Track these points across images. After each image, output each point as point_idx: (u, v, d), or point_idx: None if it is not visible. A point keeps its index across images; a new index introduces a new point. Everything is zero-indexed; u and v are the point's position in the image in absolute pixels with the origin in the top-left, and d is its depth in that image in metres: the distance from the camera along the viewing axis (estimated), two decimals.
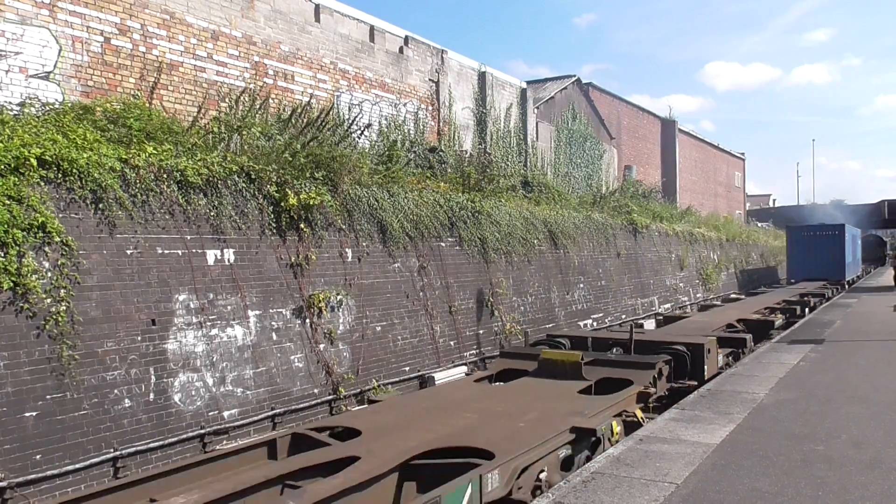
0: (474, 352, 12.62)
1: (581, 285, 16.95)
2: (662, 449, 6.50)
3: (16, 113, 7.88)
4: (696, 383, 9.79)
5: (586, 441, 6.94)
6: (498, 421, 7.22)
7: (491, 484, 5.50)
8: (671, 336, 11.91)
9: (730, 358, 11.72)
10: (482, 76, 19.62)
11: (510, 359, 10.42)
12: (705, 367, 10.24)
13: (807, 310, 19.68)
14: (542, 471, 6.12)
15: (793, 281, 29.70)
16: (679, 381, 9.87)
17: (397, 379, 10.70)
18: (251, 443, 6.79)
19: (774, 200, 75.23)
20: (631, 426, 7.64)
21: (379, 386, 10.21)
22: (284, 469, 5.98)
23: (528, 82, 23.13)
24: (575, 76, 26.52)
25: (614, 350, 10.65)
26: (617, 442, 7.04)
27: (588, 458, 6.71)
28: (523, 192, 17.47)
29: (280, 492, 5.74)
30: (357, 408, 9.27)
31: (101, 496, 5.48)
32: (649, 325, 18.15)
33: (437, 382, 10.71)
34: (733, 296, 26.51)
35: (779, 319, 16.42)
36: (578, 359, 9.33)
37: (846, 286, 30.08)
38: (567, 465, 6.57)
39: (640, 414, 8.03)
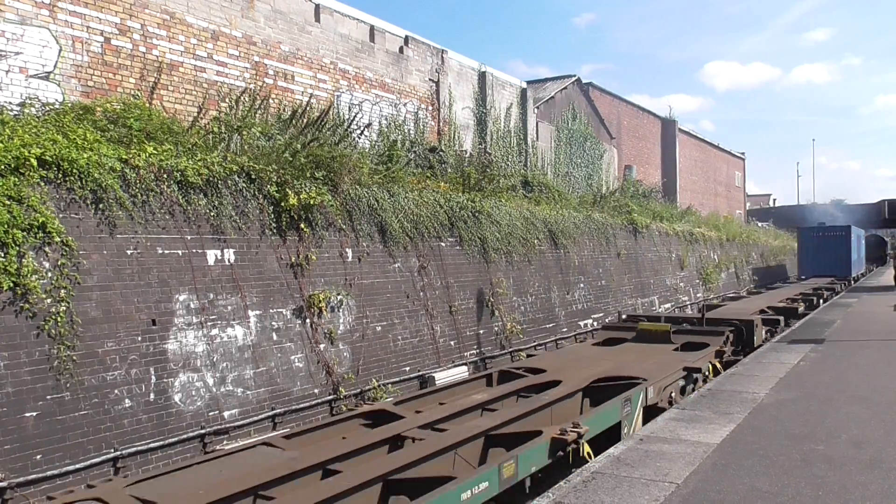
0: (475, 352, 12.63)
1: (581, 285, 16.95)
2: (663, 449, 6.50)
3: (16, 113, 7.89)
4: (748, 349, 12.97)
5: (692, 377, 10.08)
6: (632, 365, 10.13)
7: (649, 395, 8.63)
8: (726, 316, 14.73)
9: (768, 333, 14.61)
10: (482, 76, 19.62)
11: (610, 331, 13.65)
12: (755, 337, 13.29)
13: (821, 301, 22.76)
14: (671, 392, 9.28)
15: (803, 277, 31.82)
16: (736, 347, 12.93)
17: (398, 379, 10.71)
18: (475, 376, 10.14)
19: (774, 200, 75.23)
20: (715, 371, 10.95)
21: (379, 386, 10.21)
22: (504, 391, 8.93)
23: (529, 82, 23.13)
24: (575, 76, 26.53)
25: (684, 325, 13.73)
26: (708, 380, 10.32)
27: (693, 389, 9.93)
28: (523, 191, 17.47)
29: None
30: (527, 357, 12.56)
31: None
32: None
33: (437, 382, 10.70)
34: (732, 294, 26.51)
35: (801, 307, 19.64)
36: (668, 328, 12.55)
37: (852, 282, 32.82)
38: (683, 391, 9.73)
39: (718, 365, 11.14)
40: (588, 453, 6.61)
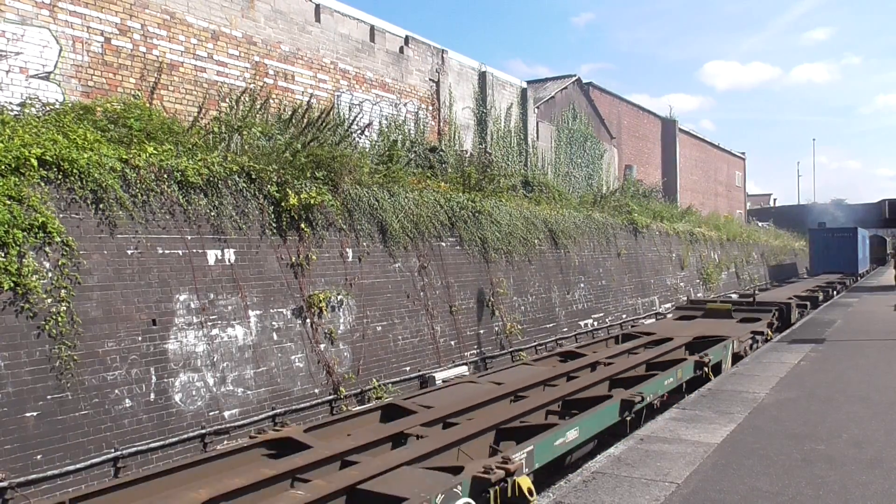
0: (475, 351, 12.63)
1: (581, 285, 16.95)
2: (663, 448, 6.50)
3: (16, 113, 7.89)
4: (785, 326, 16.73)
5: (755, 338, 13.83)
6: (714, 329, 13.65)
7: (734, 346, 12.13)
8: (767, 299, 19.23)
9: (799, 314, 18.18)
10: (482, 76, 19.62)
11: (682, 310, 17.73)
12: (792, 316, 17.34)
13: (834, 292, 26.53)
14: (745, 346, 12.82)
15: (815, 274, 34.92)
16: (779, 323, 16.59)
17: (398, 379, 10.71)
18: (602, 338, 12.39)
19: (775, 200, 75.19)
20: (765, 339, 14.40)
21: (379, 385, 10.21)
22: (635, 343, 12.46)
23: (529, 82, 23.13)
24: (575, 76, 26.52)
25: (739, 306, 17.37)
26: (768, 340, 14.30)
27: (756, 347, 13.35)
28: (524, 191, 17.47)
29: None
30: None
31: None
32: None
33: (437, 382, 10.70)
34: (733, 295, 26.49)
35: (820, 296, 23.47)
36: (730, 307, 16.46)
37: (858, 278, 36.55)
38: (751, 347, 13.25)
39: (769, 332, 14.94)
40: (709, 373, 10.37)
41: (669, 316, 18.67)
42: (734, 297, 22.54)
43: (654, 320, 19.00)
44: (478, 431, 6.79)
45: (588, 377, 9.56)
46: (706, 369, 10.35)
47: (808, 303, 20.42)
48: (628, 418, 7.89)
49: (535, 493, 5.49)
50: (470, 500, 5.12)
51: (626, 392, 8.17)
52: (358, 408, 9.03)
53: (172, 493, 5.48)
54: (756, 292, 22.41)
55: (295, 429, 7.00)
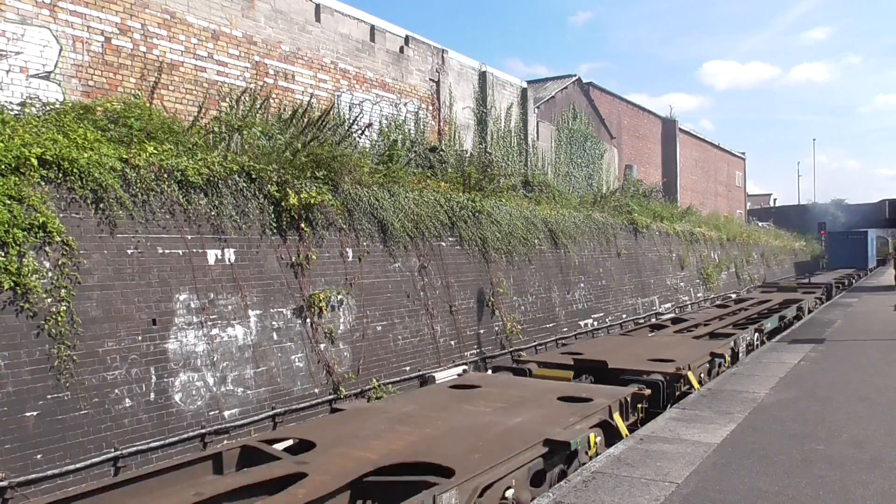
0: (475, 351, 12.63)
1: (581, 285, 16.95)
2: (663, 448, 6.50)
3: (16, 113, 7.88)
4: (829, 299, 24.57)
5: (815, 301, 21.24)
6: (790, 296, 21.63)
7: (810, 303, 21.20)
8: (815, 281, 29.40)
9: (837, 291, 27.22)
10: (483, 76, 19.62)
11: (760, 288, 27.63)
12: (833, 292, 25.99)
13: (853, 281, 35.77)
14: (812, 304, 20.68)
15: (834, 268, 42.73)
16: (826, 297, 24.40)
17: (398, 378, 10.71)
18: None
19: (775, 200, 75.12)
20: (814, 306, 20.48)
21: (379, 385, 10.21)
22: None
23: (529, 82, 23.13)
24: (575, 76, 26.52)
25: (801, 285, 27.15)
26: (823, 302, 22.34)
27: (818, 306, 20.81)
28: (524, 191, 17.46)
29: None
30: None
31: None
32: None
33: (437, 382, 10.69)
34: (733, 295, 26.52)
35: (846, 281, 33.06)
36: (796, 285, 27.19)
37: (869, 272, 44.46)
38: (815, 306, 20.74)
39: (824, 298, 23.08)
40: (802, 315, 17.02)
41: (756, 290, 28.13)
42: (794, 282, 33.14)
43: (735, 295, 26.39)
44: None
45: (741, 315, 17.59)
46: (800, 312, 18.70)
47: (841, 284, 31.58)
48: (783, 324, 16.33)
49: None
50: None
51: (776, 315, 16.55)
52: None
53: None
54: (808, 278, 34.13)
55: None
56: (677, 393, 9.19)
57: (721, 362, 11.13)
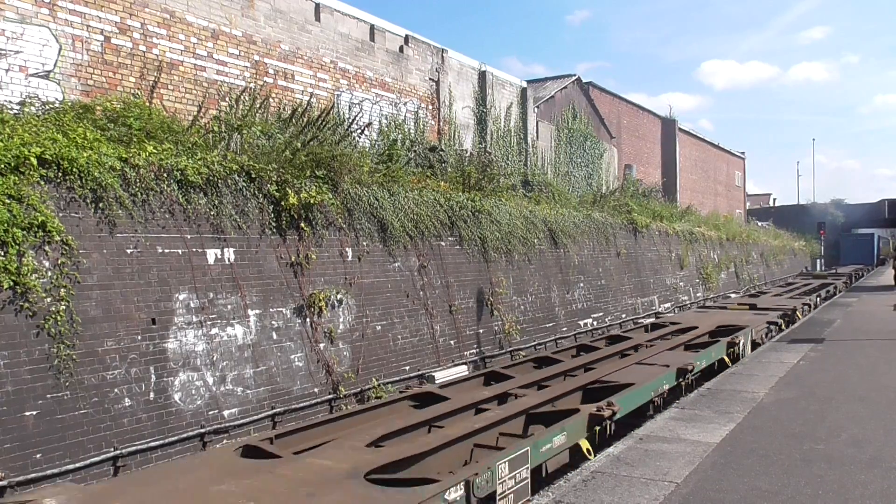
0: (474, 351, 12.63)
1: (581, 284, 16.95)
2: (662, 448, 6.50)
3: (16, 112, 7.88)
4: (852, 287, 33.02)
5: (842, 285, 31.01)
6: (825, 281, 31.14)
7: (840, 286, 30.40)
8: (838, 272, 38.45)
9: (855, 279, 37.34)
10: (482, 75, 19.61)
11: (804, 275, 38.80)
12: (853, 279, 36.31)
13: (864, 273, 43.50)
14: (841, 286, 30.86)
15: (845, 265, 49.35)
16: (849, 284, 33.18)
17: (397, 378, 10.71)
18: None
19: (774, 200, 75.18)
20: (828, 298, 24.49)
21: (379, 385, 10.21)
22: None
23: (529, 81, 23.13)
24: (575, 75, 26.52)
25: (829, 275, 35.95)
26: (847, 286, 31.21)
27: (841, 291, 28.99)
28: (523, 191, 17.47)
29: None
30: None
31: None
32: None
33: (436, 382, 10.69)
34: (733, 295, 26.52)
35: (860, 273, 40.89)
36: (826, 274, 37.19)
37: (874, 267, 51.47)
38: (840, 289, 29.52)
39: (843, 287, 31.09)
40: (836, 292, 24.74)
41: (798, 277, 37.97)
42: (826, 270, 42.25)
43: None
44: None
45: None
46: (828, 292, 25.71)
47: (857, 274, 40.57)
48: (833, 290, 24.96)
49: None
50: None
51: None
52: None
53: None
54: (836, 269, 42.74)
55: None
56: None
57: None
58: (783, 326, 16.11)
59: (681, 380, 9.49)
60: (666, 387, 8.99)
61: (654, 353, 11.18)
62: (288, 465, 5.62)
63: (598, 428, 6.89)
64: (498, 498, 5.13)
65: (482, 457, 6.00)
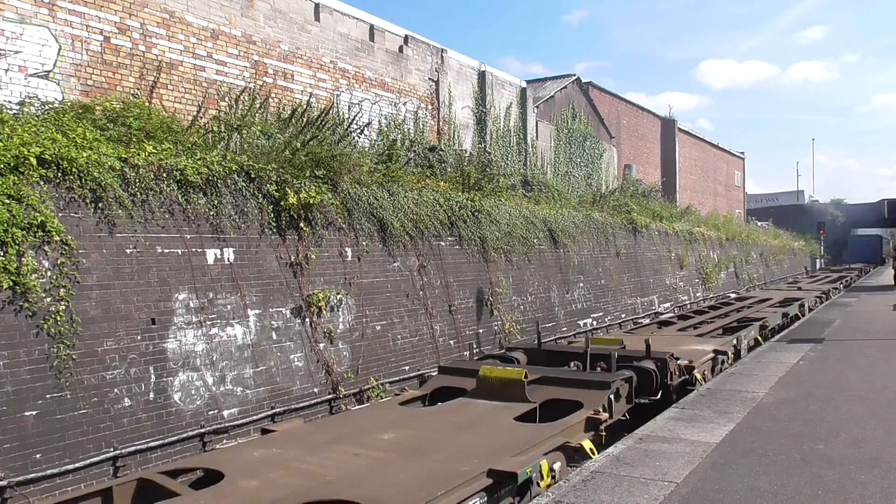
0: (474, 351, 12.62)
1: (581, 284, 16.95)
2: (662, 448, 6.51)
3: (15, 112, 7.88)
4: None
5: (856, 274, 41.14)
6: (837, 274, 40.52)
7: (851, 278, 36.18)
8: (851, 266, 49.27)
9: (865, 273, 43.50)
10: (482, 75, 19.61)
11: (826, 269, 48.21)
12: (863, 273, 43.07)
13: (871, 269, 48.56)
14: (851, 279, 37.65)
15: (853, 262, 53.95)
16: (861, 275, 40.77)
17: (397, 378, 10.71)
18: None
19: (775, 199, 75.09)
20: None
21: (378, 385, 10.21)
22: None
23: (528, 81, 23.13)
24: (575, 75, 26.52)
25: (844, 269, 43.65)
26: (860, 277, 40.94)
27: (853, 281, 36.16)
28: (523, 191, 17.47)
29: None
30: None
31: None
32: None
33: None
34: (732, 295, 26.53)
35: (868, 269, 46.47)
36: (843, 269, 45.49)
37: (879, 265, 54.83)
38: (854, 279, 38.94)
39: (857, 278, 38.60)
40: (852, 283, 31.12)
41: (802, 276, 39.87)
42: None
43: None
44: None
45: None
46: (847, 281, 32.40)
47: (866, 269, 46.37)
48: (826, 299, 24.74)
49: None
50: None
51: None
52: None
53: None
54: (848, 265, 49.18)
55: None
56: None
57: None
58: (824, 300, 23.85)
59: (784, 319, 16.36)
60: (780, 321, 15.93)
61: (757, 309, 18.39)
62: None
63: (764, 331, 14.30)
64: None
65: None
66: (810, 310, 19.89)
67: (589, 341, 9.95)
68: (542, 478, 5.83)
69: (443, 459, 6.03)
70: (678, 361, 9.71)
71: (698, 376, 9.79)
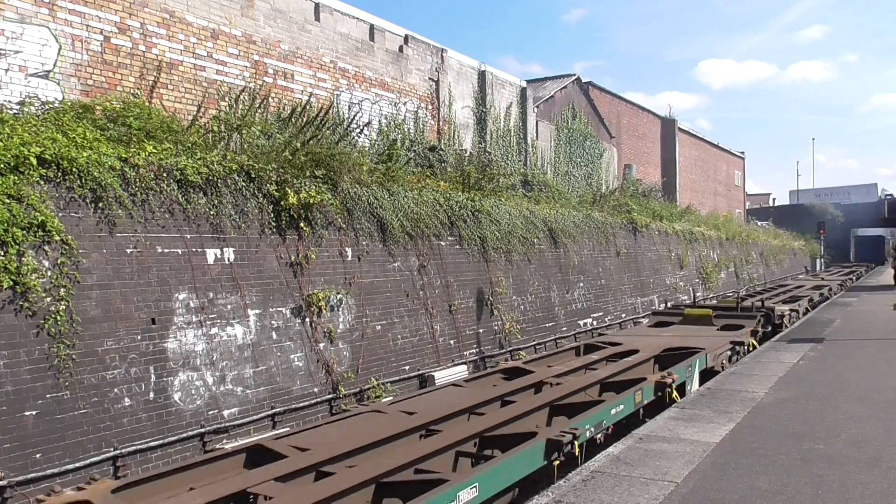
0: (474, 351, 12.63)
1: (581, 284, 16.95)
2: (662, 448, 6.51)
3: (15, 112, 7.88)
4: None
5: (864, 270, 44.94)
6: (851, 270, 41.91)
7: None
8: (860, 263, 53.68)
9: (871, 269, 47.23)
10: (482, 75, 19.61)
11: (842, 264, 52.21)
12: (870, 270, 46.39)
13: (874, 266, 51.49)
14: (861, 275, 37.34)
15: (859, 262, 56.82)
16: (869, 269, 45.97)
17: (397, 378, 10.71)
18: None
19: (774, 199, 75.18)
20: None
21: (379, 384, 10.21)
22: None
23: (528, 81, 23.14)
24: (575, 75, 26.53)
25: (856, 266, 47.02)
26: (868, 270, 46.87)
27: (861, 275, 40.96)
28: (523, 191, 17.47)
29: None
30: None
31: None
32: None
33: (436, 381, 10.70)
34: (731, 295, 26.54)
35: (872, 266, 49.95)
36: (854, 267, 47.09)
37: (882, 264, 56.33)
38: (862, 273, 42.42)
39: (865, 273, 43.41)
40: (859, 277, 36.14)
41: (822, 272, 42.72)
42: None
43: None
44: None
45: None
46: (858, 274, 37.69)
47: (871, 267, 49.59)
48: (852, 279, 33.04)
49: None
50: None
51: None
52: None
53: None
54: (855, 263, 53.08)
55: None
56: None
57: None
58: (843, 288, 28.64)
59: (821, 296, 20.85)
60: (817, 298, 20.28)
61: (795, 293, 22.41)
62: None
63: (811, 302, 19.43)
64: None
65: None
66: (835, 293, 25.91)
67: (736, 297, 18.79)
68: (750, 347, 12.46)
69: (707, 342, 11.51)
70: (778, 309, 15.93)
71: (787, 322, 16.00)
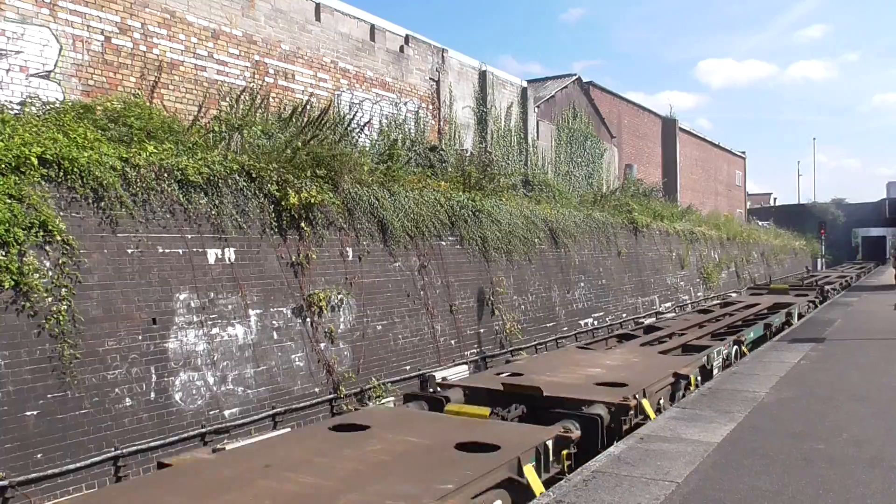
0: (475, 351, 12.63)
1: (581, 284, 16.95)
2: (663, 448, 6.50)
3: (17, 112, 7.89)
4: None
5: (874, 266, 49.73)
6: (860, 266, 50.46)
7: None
8: (864, 262, 56.59)
9: (878, 265, 51.86)
10: (483, 75, 19.61)
11: (855, 261, 58.57)
12: (874, 270, 46.19)
13: (880, 265, 52.27)
14: (871, 269, 46.77)
15: (865, 259, 59.55)
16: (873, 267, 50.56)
17: (398, 378, 10.71)
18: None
19: (775, 199, 75.11)
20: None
21: (379, 385, 10.21)
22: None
23: (529, 81, 23.13)
24: (575, 75, 26.52)
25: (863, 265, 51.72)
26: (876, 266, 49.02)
27: (872, 270, 46.11)
28: (524, 190, 17.46)
29: None
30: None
31: None
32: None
33: (436, 380, 10.68)
34: (734, 295, 26.52)
35: (879, 264, 52.90)
36: (862, 264, 53.51)
37: (886, 262, 57.65)
38: (867, 272, 45.70)
39: (873, 268, 47.95)
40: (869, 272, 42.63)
41: (839, 267, 47.97)
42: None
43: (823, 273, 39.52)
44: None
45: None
46: (866, 270, 43.42)
47: (876, 265, 51.17)
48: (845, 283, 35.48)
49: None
50: None
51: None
52: None
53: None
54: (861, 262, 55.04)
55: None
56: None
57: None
58: (859, 279, 35.38)
59: (847, 283, 27.67)
60: (839, 285, 26.64)
61: (829, 278, 27.46)
62: None
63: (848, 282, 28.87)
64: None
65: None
66: (854, 281, 33.16)
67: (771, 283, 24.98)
68: (817, 303, 20.65)
69: (794, 301, 18.91)
70: (826, 287, 23.63)
71: (830, 293, 23.41)
